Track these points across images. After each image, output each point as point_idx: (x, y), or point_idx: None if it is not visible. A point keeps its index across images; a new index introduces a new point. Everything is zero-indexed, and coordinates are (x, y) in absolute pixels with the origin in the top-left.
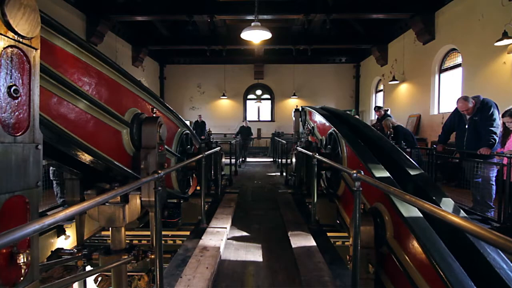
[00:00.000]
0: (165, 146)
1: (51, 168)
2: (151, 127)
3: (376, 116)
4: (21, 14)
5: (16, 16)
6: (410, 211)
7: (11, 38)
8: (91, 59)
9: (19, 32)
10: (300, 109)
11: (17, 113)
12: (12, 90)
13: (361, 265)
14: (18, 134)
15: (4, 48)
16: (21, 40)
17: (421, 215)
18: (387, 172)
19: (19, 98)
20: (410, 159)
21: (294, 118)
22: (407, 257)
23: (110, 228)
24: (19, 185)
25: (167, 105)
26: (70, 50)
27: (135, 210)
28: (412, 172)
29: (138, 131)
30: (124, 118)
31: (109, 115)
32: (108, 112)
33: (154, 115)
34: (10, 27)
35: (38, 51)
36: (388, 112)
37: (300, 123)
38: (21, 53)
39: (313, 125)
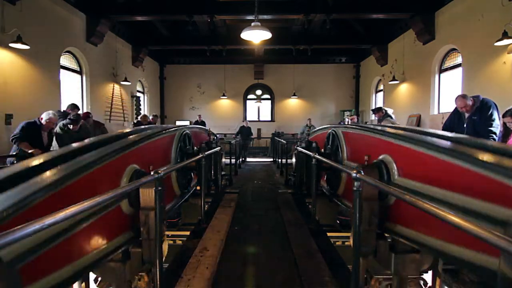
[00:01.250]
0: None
1: None
2: (149, 189)
3: (376, 118)
4: None
5: None
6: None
7: None
8: None
9: None
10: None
11: None
12: None
13: (365, 218)
14: None
15: None
16: None
17: None
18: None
19: None
20: None
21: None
22: (419, 181)
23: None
24: None
25: (161, 128)
26: None
27: (137, 266)
28: None
29: (136, 193)
30: (123, 191)
31: (106, 207)
32: (104, 206)
33: (151, 172)
34: None
35: None
36: (390, 112)
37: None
38: None
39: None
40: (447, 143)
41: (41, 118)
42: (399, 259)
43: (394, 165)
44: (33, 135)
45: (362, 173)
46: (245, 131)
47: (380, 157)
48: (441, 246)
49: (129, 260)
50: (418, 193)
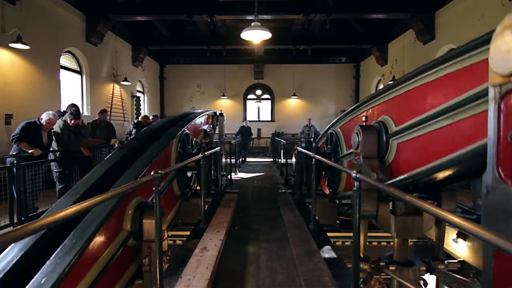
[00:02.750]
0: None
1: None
2: (150, 224)
3: None
4: None
5: None
6: None
7: None
8: None
9: None
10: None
11: None
12: None
13: (365, 173)
14: None
15: None
16: None
17: None
18: None
19: None
20: None
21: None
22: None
23: None
24: None
25: (160, 143)
26: None
27: None
28: None
29: (139, 226)
30: (123, 191)
31: (112, 254)
32: (112, 255)
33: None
34: None
35: None
36: None
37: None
38: None
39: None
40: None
41: (41, 119)
42: (400, 221)
43: (392, 122)
44: (33, 135)
45: (362, 173)
46: (245, 131)
47: (379, 119)
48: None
49: None
50: (413, 126)
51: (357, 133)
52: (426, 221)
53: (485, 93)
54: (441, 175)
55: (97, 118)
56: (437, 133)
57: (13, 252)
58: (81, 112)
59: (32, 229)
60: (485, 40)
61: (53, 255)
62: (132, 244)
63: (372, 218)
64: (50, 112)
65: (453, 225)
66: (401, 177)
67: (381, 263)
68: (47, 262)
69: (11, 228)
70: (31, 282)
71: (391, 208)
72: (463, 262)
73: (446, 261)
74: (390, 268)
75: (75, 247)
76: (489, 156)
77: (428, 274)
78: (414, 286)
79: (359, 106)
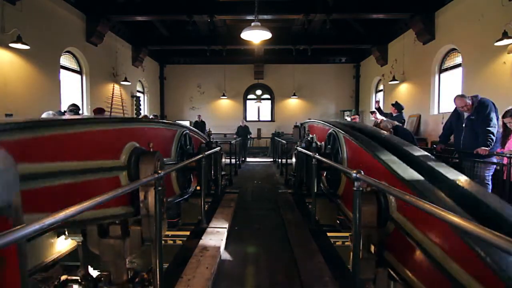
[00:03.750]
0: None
1: None
2: (149, 165)
3: (394, 114)
4: None
5: None
6: (412, 177)
7: None
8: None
9: None
10: (299, 125)
11: None
12: None
13: (363, 245)
14: None
15: None
16: None
17: (422, 178)
18: (394, 157)
19: None
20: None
21: (293, 135)
22: (413, 226)
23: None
24: None
25: (160, 120)
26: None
27: (137, 243)
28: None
29: (136, 167)
30: (121, 162)
31: (103, 170)
32: (101, 168)
33: (151, 149)
34: None
35: None
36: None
37: (299, 138)
38: None
39: (312, 136)
40: None
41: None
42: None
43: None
44: None
45: (362, 173)
46: (242, 131)
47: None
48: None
49: (129, 237)
50: None
51: None
52: None
53: None
54: None
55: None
56: None
57: None
58: (80, 112)
59: (32, 229)
60: None
61: None
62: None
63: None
64: (50, 111)
65: (453, 225)
66: None
67: None
68: None
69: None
70: None
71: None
72: None
73: None
74: None
75: None
76: None
77: None
78: None
79: None
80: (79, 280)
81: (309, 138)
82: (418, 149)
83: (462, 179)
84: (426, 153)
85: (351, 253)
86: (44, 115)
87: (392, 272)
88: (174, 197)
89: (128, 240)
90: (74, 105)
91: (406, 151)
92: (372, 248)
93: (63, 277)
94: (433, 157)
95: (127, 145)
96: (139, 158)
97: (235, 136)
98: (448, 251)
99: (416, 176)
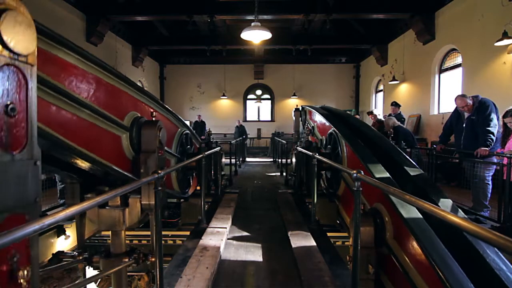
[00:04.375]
0: (165, 148)
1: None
2: (151, 131)
3: (392, 113)
4: (17, 31)
5: (11, 34)
6: (410, 212)
7: (6, 57)
8: (89, 66)
9: (14, 50)
10: (300, 108)
11: (14, 131)
12: (9, 108)
13: (361, 265)
14: (16, 152)
15: None
16: (17, 57)
17: (420, 216)
18: (387, 173)
19: (16, 116)
20: (410, 160)
21: (294, 118)
22: (406, 258)
23: (110, 231)
24: (18, 203)
25: (167, 106)
26: (69, 59)
27: (135, 213)
28: (412, 173)
29: (138, 135)
30: (124, 123)
31: (108, 121)
32: (107, 118)
33: (153, 118)
34: (5, 46)
35: (35, 67)
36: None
37: (301, 122)
38: (18, 71)
39: (313, 125)
40: None
41: None
42: None
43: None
44: None
45: (362, 173)
46: (238, 131)
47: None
48: None
49: (128, 207)
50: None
51: None
52: None
53: None
54: None
55: None
56: None
57: None
58: None
59: (32, 230)
60: None
61: None
62: (131, 156)
63: None
64: None
65: (453, 225)
66: None
67: None
68: None
69: None
70: None
71: None
72: None
73: None
74: None
75: None
76: None
77: None
78: None
79: None
80: (75, 253)
81: (310, 127)
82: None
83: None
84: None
85: (351, 268)
86: None
87: None
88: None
89: (127, 211)
90: None
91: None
92: (370, 268)
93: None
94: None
95: (130, 113)
96: (141, 127)
97: (234, 136)
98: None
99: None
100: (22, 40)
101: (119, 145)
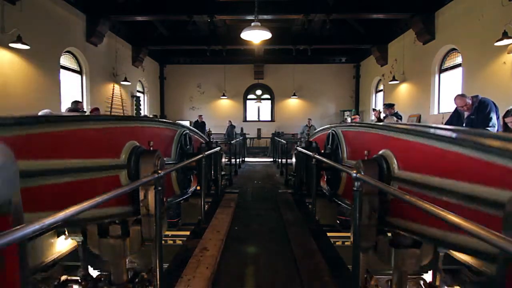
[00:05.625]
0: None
1: None
2: (149, 164)
3: (388, 113)
4: None
5: None
6: None
7: None
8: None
9: None
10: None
11: None
12: None
13: (364, 212)
14: None
15: None
16: None
17: None
18: None
19: None
20: None
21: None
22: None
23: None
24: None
25: (162, 120)
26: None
27: (136, 243)
28: None
29: (136, 166)
30: (121, 161)
31: (103, 169)
32: (101, 167)
33: (151, 148)
34: None
35: None
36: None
37: None
38: None
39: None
40: (448, 132)
41: None
42: (399, 254)
43: (394, 159)
44: None
45: (362, 173)
46: (230, 131)
47: (380, 152)
48: (442, 235)
49: (129, 237)
50: (419, 184)
51: None
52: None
53: None
54: None
55: None
56: None
57: None
58: (78, 106)
59: (31, 230)
60: None
61: None
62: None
63: (370, 250)
64: (47, 110)
65: (453, 225)
66: None
67: None
68: None
69: None
70: None
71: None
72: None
73: None
74: None
75: None
76: None
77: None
78: (414, 286)
79: None
80: (79, 280)
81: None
82: None
83: None
84: None
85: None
86: (40, 113)
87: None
88: (174, 197)
89: (128, 240)
90: (76, 102)
91: None
92: (373, 214)
93: (63, 277)
94: None
95: (127, 144)
96: (139, 157)
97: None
98: None
99: None
100: None
101: (117, 183)
